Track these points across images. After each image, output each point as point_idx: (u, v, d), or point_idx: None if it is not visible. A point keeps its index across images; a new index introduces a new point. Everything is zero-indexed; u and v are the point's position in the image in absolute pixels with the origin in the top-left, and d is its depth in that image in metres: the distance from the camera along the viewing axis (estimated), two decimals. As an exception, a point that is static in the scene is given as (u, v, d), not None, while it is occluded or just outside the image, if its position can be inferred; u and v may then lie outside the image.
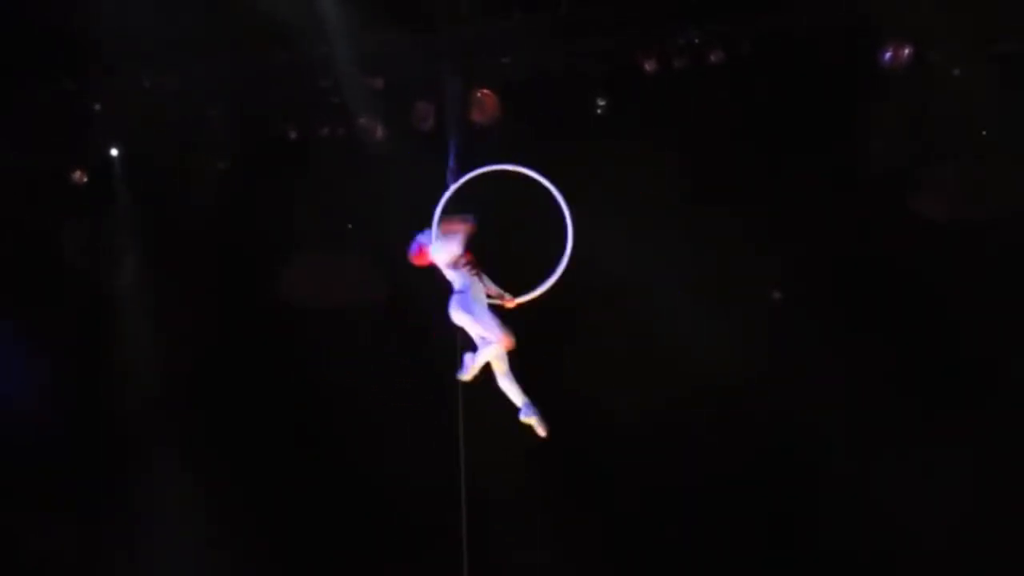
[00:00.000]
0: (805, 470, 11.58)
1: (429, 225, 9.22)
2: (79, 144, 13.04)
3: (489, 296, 9.13)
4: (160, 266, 13.21)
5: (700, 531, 11.97)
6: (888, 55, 11.08)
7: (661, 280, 11.61)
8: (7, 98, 12.74)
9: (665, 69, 11.64)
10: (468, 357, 9.05)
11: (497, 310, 9.11)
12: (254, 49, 12.21)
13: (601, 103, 12.01)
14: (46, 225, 13.32)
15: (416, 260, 9.36)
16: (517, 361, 9.20)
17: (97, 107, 12.79)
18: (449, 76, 11.49)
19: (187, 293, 13.04)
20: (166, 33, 11.81)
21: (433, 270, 9.34)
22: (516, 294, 9.19)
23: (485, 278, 9.17)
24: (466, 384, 9.26)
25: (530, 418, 9.14)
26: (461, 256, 9.16)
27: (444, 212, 9.19)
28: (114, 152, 13.09)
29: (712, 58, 11.50)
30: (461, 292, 9.09)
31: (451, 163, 9.40)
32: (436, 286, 10.81)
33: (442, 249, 9.15)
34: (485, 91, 11.87)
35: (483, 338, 9.00)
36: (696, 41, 11.54)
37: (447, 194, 9.26)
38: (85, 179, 13.08)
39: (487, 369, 9.14)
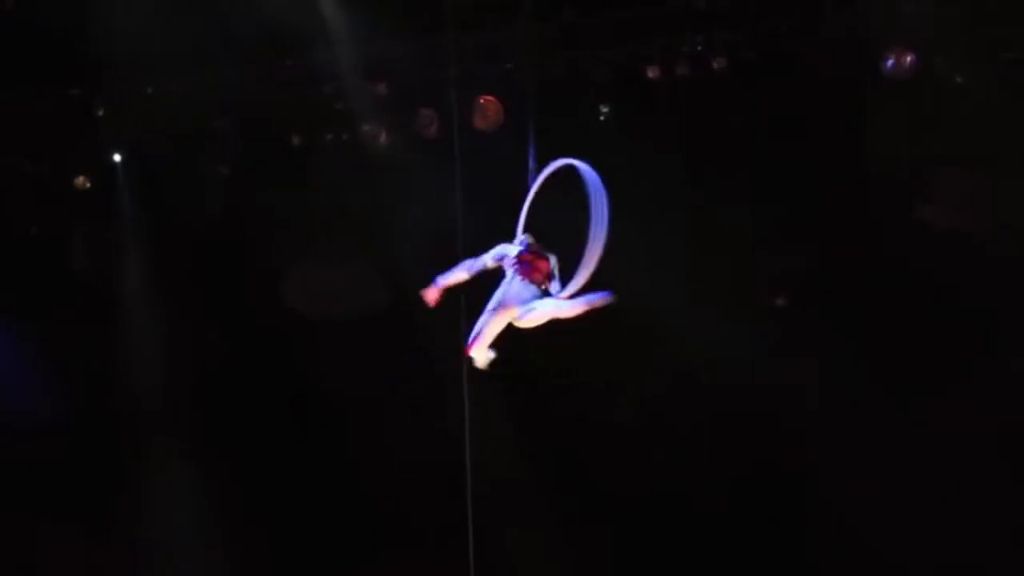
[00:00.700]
0: (806, 470, 11.59)
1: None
2: (83, 149, 13.07)
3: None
4: (164, 272, 13.23)
5: (700, 531, 11.96)
6: (891, 63, 11.10)
7: (664, 286, 11.61)
8: (12, 103, 12.78)
9: (668, 76, 11.66)
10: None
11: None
12: (258, 55, 12.23)
13: (604, 110, 12.03)
14: (49, 229, 13.36)
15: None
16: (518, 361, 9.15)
17: (101, 113, 12.82)
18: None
19: (190, 298, 13.06)
20: (170, 39, 11.85)
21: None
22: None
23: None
24: (470, 387, 9.23)
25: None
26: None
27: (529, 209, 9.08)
28: (117, 158, 13.12)
29: (715, 65, 11.50)
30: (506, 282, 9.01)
31: (531, 163, 9.30)
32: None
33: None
34: (488, 97, 11.89)
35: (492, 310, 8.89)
36: (699, 48, 11.55)
37: (530, 194, 9.14)
38: (88, 184, 13.10)
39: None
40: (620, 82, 11.86)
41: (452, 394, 10.86)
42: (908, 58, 11.04)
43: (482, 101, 11.89)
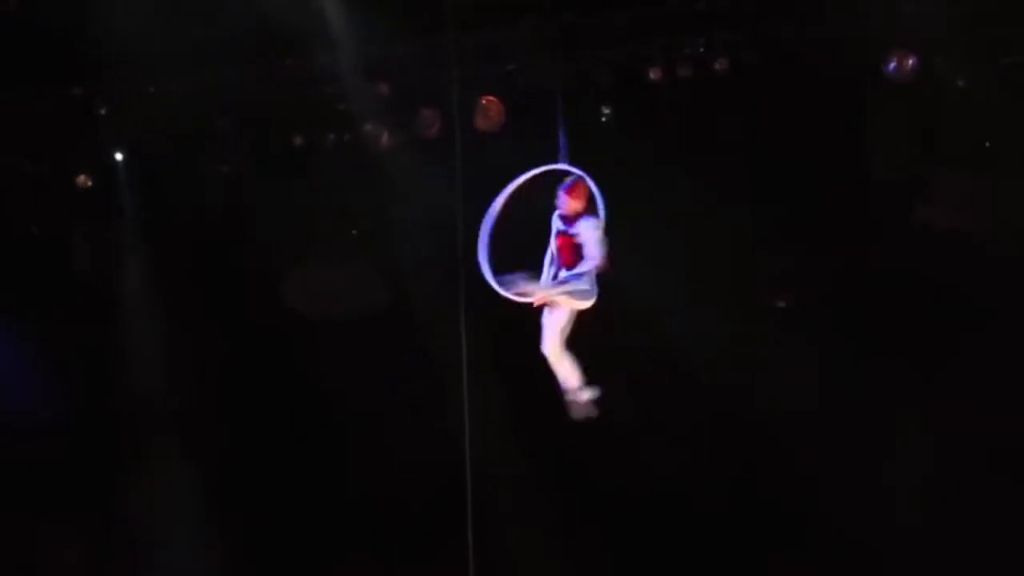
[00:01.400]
0: (805, 470, 11.58)
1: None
2: (84, 149, 13.07)
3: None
4: (164, 271, 13.23)
5: (700, 531, 11.96)
6: (892, 65, 11.11)
7: (664, 286, 11.62)
8: (13, 103, 12.78)
9: (670, 78, 11.67)
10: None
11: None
12: (259, 55, 12.22)
13: (606, 111, 12.04)
14: (50, 229, 13.36)
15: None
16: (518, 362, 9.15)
17: (102, 112, 12.82)
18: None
19: (191, 298, 13.06)
20: (171, 39, 11.84)
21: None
22: None
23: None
24: (471, 386, 9.22)
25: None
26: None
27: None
28: (118, 157, 13.12)
29: (717, 67, 11.51)
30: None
31: (562, 158, 9.29)
32: (439, 290, 10.88)
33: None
34: (490, 98, 11.90)
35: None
36: (701, 50, 11.56)
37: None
38: (90, 183, 13.11)
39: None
40: (621, 83, 11.86)
41: (452, 394, 10.87)
42: (910, 61, 11.06)
43: (484, 101, 11.90)
